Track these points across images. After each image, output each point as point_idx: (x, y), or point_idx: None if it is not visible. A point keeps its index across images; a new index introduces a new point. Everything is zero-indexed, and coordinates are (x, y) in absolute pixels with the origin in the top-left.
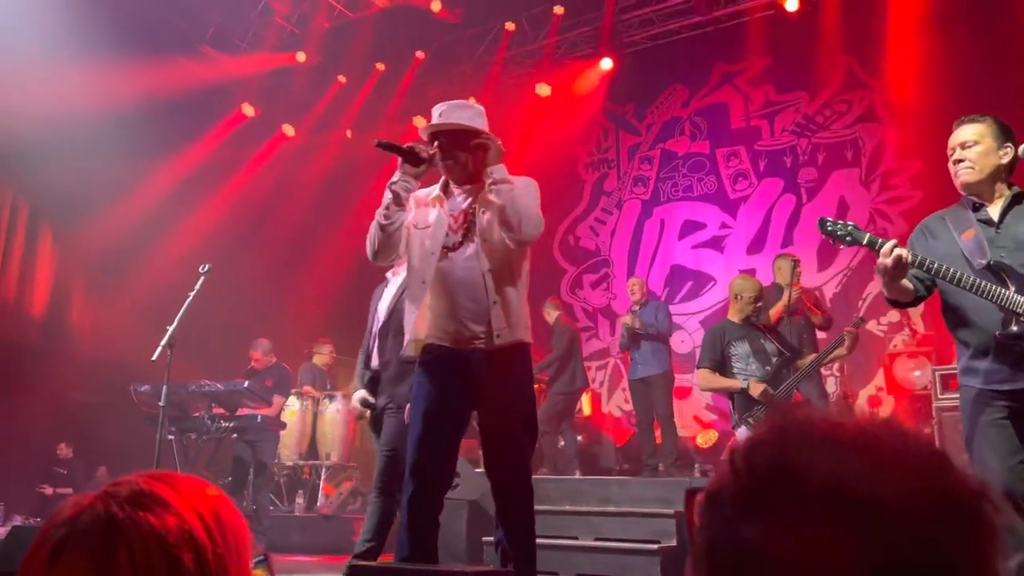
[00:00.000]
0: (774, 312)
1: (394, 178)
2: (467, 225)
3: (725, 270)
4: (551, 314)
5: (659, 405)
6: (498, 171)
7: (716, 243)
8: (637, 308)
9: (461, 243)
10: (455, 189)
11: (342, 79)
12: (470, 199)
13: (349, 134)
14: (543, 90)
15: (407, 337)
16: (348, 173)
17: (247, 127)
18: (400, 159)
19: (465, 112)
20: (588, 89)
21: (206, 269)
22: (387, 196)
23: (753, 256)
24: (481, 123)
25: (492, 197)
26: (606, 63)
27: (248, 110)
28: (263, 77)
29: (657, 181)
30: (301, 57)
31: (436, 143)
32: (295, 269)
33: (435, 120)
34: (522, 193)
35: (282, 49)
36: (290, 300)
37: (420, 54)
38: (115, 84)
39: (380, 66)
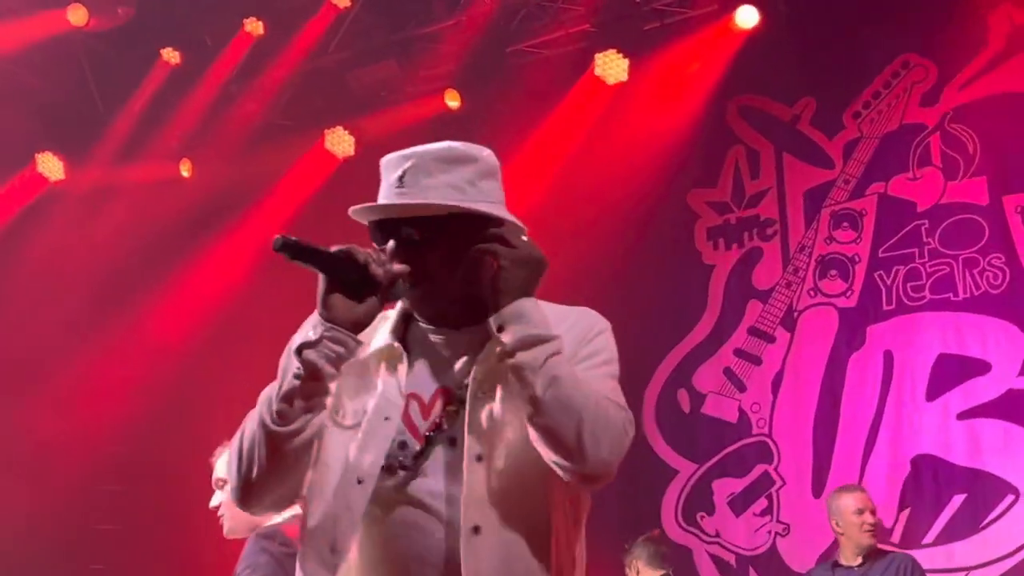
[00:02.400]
0: None
1: (309, 329)
2: (448, 423)
3: None
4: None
5: None
6: (516, 314)
7: (1017, 408)
8: (858, 565)
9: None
10: (434, 337)
11: (171, 57)
12: (464, 361)
13: (186, 171)
14: (611, 66)
15: None
16: (184, 245)
17: None
18: (323, 282)
19: (453, 174)
20: (706, 68)
21: None
22: (289, 370)
23: None
24: (487, 193)
25: (519, 377)
26: (747, 15)
27: None
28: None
29: (872, 266)
30: (77, 17)
31: (393, 245)
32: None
33: (386, 195)
34: (589, 364)
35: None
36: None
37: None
38: None
39: (252, 25)
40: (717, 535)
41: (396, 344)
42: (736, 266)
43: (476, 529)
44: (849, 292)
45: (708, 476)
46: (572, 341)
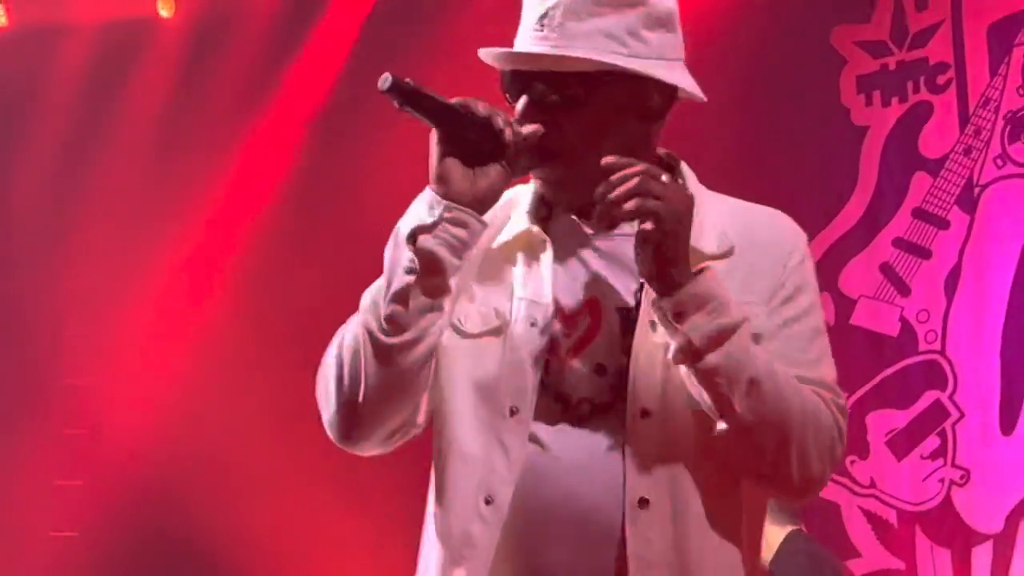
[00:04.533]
0: None
1: (421, 209)
2: (602, 350)
3: None
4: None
5: None
6: (701, 298)
7: None
8: None
9: (597, 408)
10: (585, 232)
11: None
12: (623, 274)
13: (166, 10)
14: None
15: None
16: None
17: None
18: (436, 145)
19: (611, 19)
20: None
21: None
22: (399, 264)
23: None
24: (657, 47)
25: (705, 382)
26: None
27: None
28: None
29: None
30: None
31: (524, 104)
32: None
33: (521, 40)
34: (788, 318)
35: None
36: None
37: None
38: None
39: None
40: (872, 485)
41: (536, 228)
42: (897, 127)
43: (643, 502)
44: None
45: (860, 408)
46: (766, 279)
